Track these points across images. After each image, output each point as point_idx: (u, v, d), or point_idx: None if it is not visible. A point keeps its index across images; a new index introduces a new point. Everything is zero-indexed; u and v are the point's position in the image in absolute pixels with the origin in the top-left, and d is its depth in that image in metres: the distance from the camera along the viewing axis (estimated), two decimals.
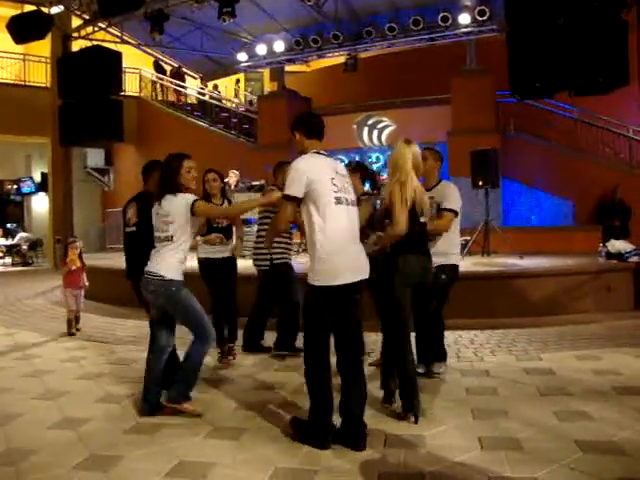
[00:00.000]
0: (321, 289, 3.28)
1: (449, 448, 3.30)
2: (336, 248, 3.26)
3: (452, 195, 4.58)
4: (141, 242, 4.48)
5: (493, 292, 6.99)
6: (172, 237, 3.83)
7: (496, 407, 4.00)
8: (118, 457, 3.27)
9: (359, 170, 5.13)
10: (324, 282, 3.27)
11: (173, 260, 3.85)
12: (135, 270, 4.58)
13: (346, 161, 14.62)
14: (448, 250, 4.60)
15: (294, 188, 3.28)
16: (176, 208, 3.82)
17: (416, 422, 3.71)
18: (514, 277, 7.32)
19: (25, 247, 17.91)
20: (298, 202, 3.32)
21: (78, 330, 6.92)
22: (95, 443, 3.48)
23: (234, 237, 5.53)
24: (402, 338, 3.83)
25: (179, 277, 3.88)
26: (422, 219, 3.92)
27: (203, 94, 18.21)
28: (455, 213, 4.56)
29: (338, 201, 3.30)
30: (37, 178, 19.42)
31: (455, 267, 4.69)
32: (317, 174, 3.29)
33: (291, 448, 3.37)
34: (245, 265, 6.16)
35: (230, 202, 5.55)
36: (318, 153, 3.43)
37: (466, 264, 7.45)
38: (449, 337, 5.52)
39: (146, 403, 3.97)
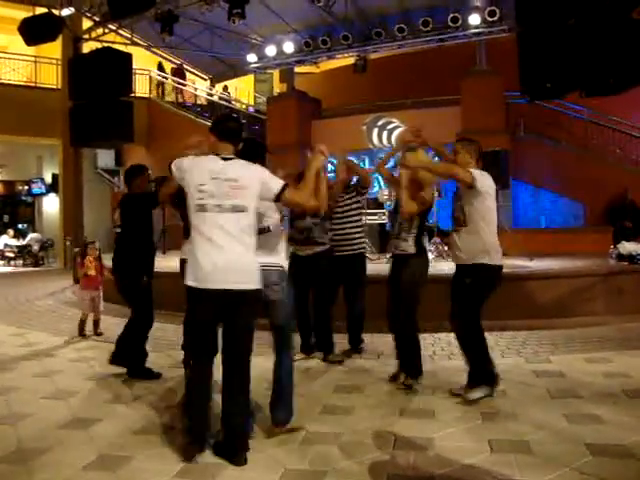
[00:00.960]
0: (187, 288, 3.28)
1: (458, 450, 3.29)
2: (195, 253, 3.23)
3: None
4: (123, 242, 5.16)
5: (502, 294, 6.88)
6: None
7: (505, 409, 3.98)
8: (127, 457, 3.28)
9: None
10: (187, 281, 3.27)
11: None
12: (117, 266, 5.11)
13: (356, 162, 14.64)
14: (472, 247, 4.22)
15: (174, 170, 3.36)
16: None
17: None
18: (524, 279, 7.28)
19: (36, 248, 18.03)
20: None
21: (100, 334, 6.76)
22: (105, 443, 3.49)
23: None
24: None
25: None
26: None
27: (211, 94, 18.31)
28: (471, 187, 4.16)
29: (201, 208, 3.20)
30: (48, 179, 19.53)
31: (481, 267, 4.19)
32: (189, 178, 3.24)
33: (301, 449, 3.37)
34: None
35: None
36: (216, 155, 3.31)
37: None
38: None
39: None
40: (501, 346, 5.81)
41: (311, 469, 3.12)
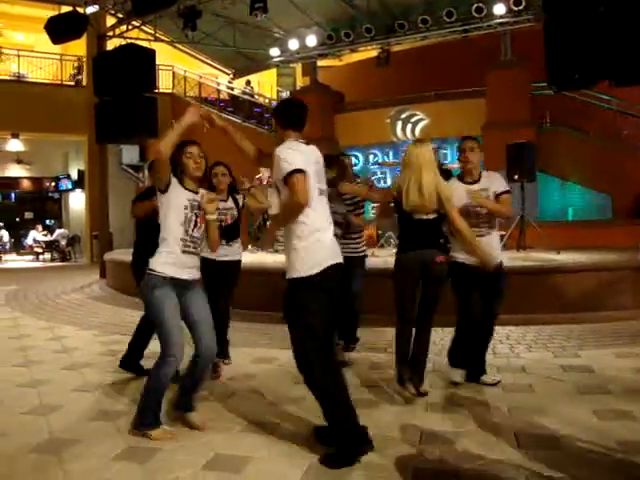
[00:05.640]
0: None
1: (485, 445, 3.25)
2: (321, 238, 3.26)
3: (502, 179, 4.41)
4: (144, 237, 4.81)
5: (529, 287, 6.86)
6: None
7: (533, 404, 3.93)
8: (154, 449, 3.31)
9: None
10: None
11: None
12: (134, 260, 4.97)
13: (380, 155, 14.63)
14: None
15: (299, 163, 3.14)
16: None
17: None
18: (551, 272, 7.18)
19: (63, 243, 18.34)
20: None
21: None
22: (132, 435, 3.53)
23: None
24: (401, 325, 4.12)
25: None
26: (427, 216, 3.96)
27: (232, 88, 18.43)
28: (510, 193, 4.36)
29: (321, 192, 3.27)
30: (74, 175, 19.82)
31: (454, 264, 4.22)
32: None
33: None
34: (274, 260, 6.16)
35: (236, 199, 4.97)
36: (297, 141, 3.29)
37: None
38: None
39: None
40: (528, 340, 5.74)
41: None
